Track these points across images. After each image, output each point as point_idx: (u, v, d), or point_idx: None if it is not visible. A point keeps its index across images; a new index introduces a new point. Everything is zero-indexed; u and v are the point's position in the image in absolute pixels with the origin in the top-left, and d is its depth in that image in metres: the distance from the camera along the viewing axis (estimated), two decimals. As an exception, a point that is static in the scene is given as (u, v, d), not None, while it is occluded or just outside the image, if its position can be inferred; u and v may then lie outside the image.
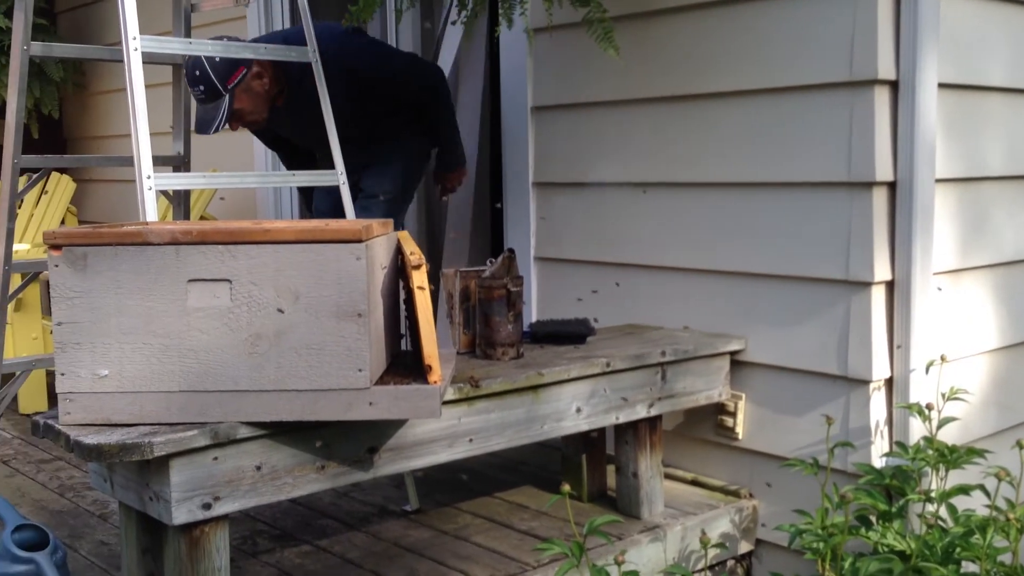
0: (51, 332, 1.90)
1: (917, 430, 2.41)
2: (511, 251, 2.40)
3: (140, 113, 2.26)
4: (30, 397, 3.80)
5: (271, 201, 4.30)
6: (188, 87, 2.77)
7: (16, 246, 3.09)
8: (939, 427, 2.37)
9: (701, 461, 2.79)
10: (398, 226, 3.06)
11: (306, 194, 3.46)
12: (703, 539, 2.17)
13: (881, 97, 2.34)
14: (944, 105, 2.41)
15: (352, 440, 1.94)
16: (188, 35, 3.08)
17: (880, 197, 2.37)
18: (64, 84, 5.32)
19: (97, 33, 5.34)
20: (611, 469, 2.68)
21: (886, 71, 2.33)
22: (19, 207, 4.14)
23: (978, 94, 2.56)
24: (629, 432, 2.54)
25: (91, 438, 1.69)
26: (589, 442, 2.67)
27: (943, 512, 2.23)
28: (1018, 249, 2.72)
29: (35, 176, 3.09)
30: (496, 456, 2.83)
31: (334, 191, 3.04)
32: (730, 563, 2.65)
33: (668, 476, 2.74)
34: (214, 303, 1.75)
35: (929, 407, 2.36)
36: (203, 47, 2.51)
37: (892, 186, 2.39)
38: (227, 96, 2.72)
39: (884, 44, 2.32)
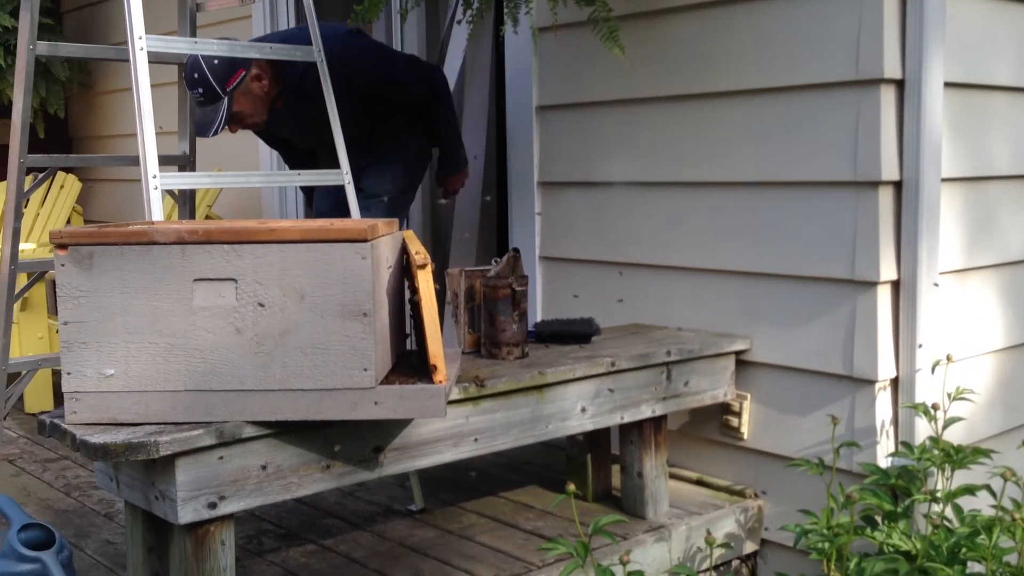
0: (57, 331, 1.91)
1: (923, 430, 2.40)
2: (516, 250, 2.40)
3: (146, 112, 2.26)
4: (36, 396, 3.81)
5: (276, 200, 4.30)
6: (187, 90, 2.76)
7: (22, 245, 3.10)
8: (945, 427, 2.36)
9: (706, 461, 2.79)
10: (400, 226, 3.07)
11: (309, 194, 3.46)
12: (708, 539, 2.16)
13: (887, 96, 2.34)
14: (950, 104, 2.41)
15: (357, 440, 1.94)
16: (193, 35, 3.08)
17: (886, 197, 2.37)
18: (70, 84, 5.33)
19: (103, 33, 5.35)
20: (616, 469, 2.68)
21: (892, 70, 2.32)
22: (25, 206, 4.15)
23: (984, 93, 2.56)
24: (634, 432, 2.54)
25: (97, 437, 1.69)
26: (594, 442, 2.67)
27: (949, 512, 2.23)
28: (1024, 249, 2.72)
29: (41, 175, 3.09)
30: (501, 456, 2.83)
31: (334, 191, 3.04)
32: (735, 563, 2.65)
33: (673, 476, 2.74)
34: (220, 302, 1.75)
35: (935, 407, 2.36)
36: (208, 46, 2.51)
37: (898, 185, 2.38)
38: (226, 99, 2.72)
39: (890, 43, 2.31)
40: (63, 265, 1.75)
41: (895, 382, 2.44)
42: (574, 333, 2.57)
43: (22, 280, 3.09)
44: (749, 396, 2.67)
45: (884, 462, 2.41)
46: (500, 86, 3.46)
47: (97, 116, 5.58)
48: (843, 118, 2.39)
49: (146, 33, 2.29)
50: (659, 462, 2.55)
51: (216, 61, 2.68)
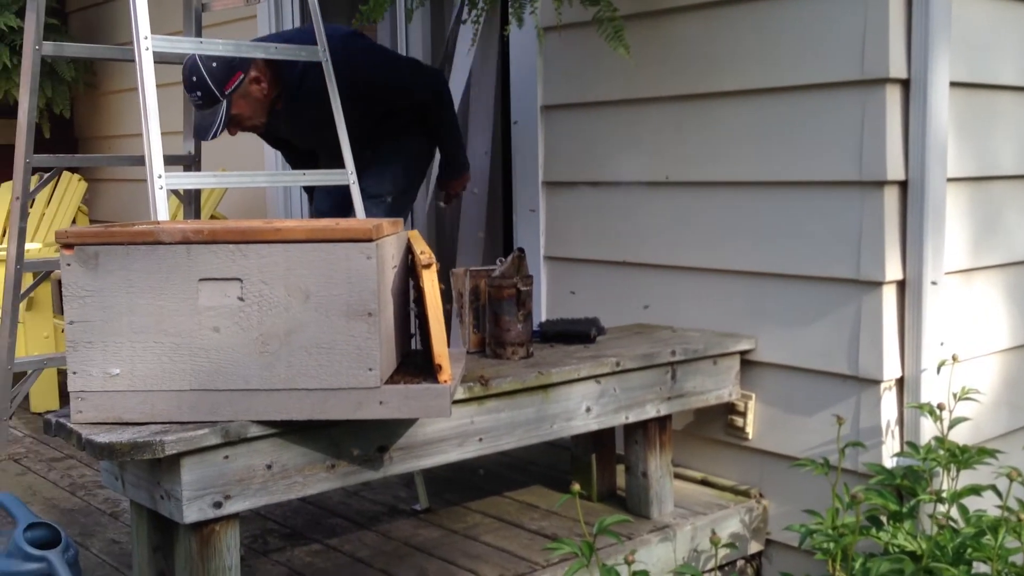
0: (63, 331, 1.91)
1: (928, 430, 2.40)
2: (521, 250, 2.40)
3: (151, 112, 2.27)
4: (41, 396, 3.82)
5: (281, 200, 4.31)
6: (185, 93, 2.75)
7: (28, 245, 3.11)
8: (950, 427, 2.36)
9: (711, 461, 2.79)
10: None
11: (311, 193, 3.46)
12: (713, 539, 2.16)
13: (892, 96, 2.33)
14: (956, 104, 2.40)
15: (362, 439, 1.94)
16: (199, 35, 3.09)
17: (891, 196, 2.37)
18: (75, 84, 5.34)
19: (108, 33, 5.36)
20: (621, 469, 2.68)
21: (897, 70, 2.32)
22: (30, 206, 4.16)
23: (990, 93, 2.55)
24: (639, 432, 2.54)
25: (103, 437, 1.69)
26: (599, 442, 2.67)
27: (954, 512, 2.22)
28: (1030, 248, 2.71)
29: (47, 175, 3.10)
30: (506, 455, 2.83)
31: (334, 190, 3.04)
32: (740, 563, 2.64)
33: (678, 476, 2.74)
34: (225, 302, 1.76)
35: (940, 407, 2.35)
36: (214, 46, 2.51)
37: (903, 185, 2.38)
38: (224, 101, 2.71)
39: (896, 43, 2.31)
40: (69, 265, 1.75)
41: (900, 382, 2.43)
42: (579, 333, 2.57)
43: (28, 280, 3.09)
44: (754, 396, 2.66)
45: (889, 462, 2.41)
46: (504, 86, 3.46)
47: (102, 116, 5.59)
48: (848, 118, 2.38)
49: (152, 33, 2.29)
50: (664, 462, 2.55)
51: (214, 64, 2.67)
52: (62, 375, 3.81)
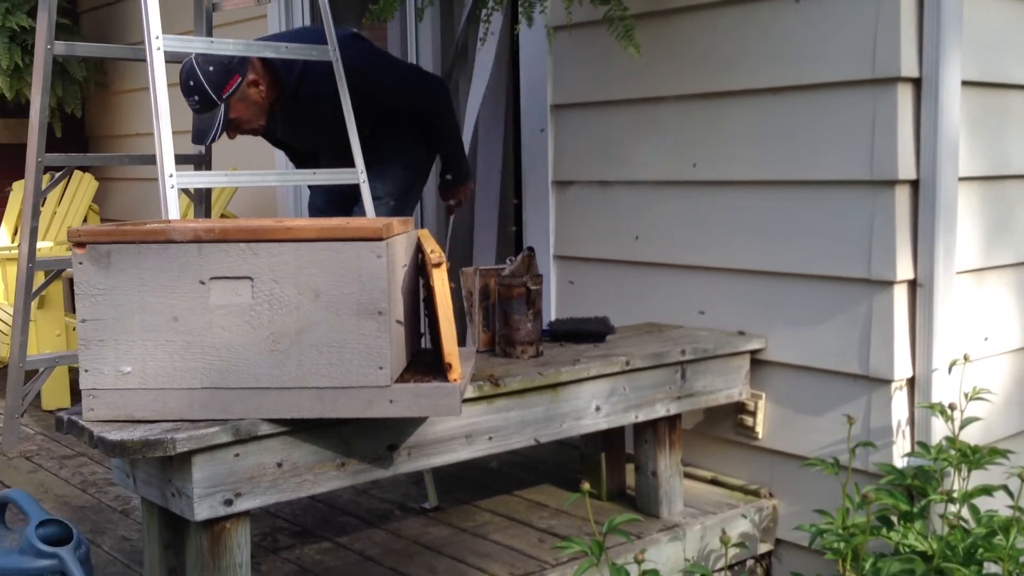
0: (74, 329, 1.92)
1: (939, 430, 2.39)
2: (531, 249, 2.40)
3: (162, 112, 2.28)
4: (53, 394, 3.83)
5: (291, 199, 4.32)
6: (183, 97, 2.74)
7: (39, 244, 3.12)
8: (961, 427, 2.35)
9: (721, 460, 2.79)
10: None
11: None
12: (723, 538, 2.16)
13: (904, 95, 2.33)
14: (967, 103, 2.39)
15: (372, 437, 1.95)
16: (210, 34, 3.10)
17: (903, 196, 2.36)
18: (87, 83, 5.36)
19: (119, 32, 5.37)
20: (630, 468, 2.68)
21: (909, 69, 2.31)
22: (42, 205, 4.18)
23: (1002, 92, 2.54)
24: (648, 431, 2.53)
25: (114, 434, 1.70)
26: (608, 441, 2.67)
27: (965, 513, 2.21)
28: (1042, 248, 2.70)
29: (58, 174, 3.12)
30: (515, 454, 2.83)
31: (330, 186, 3.02)
32: (750, 563, 2.64)
33: (687, 475, 2.74)
34: (236, 301, 1.76)
35: (951, 407, 2.35)
36: (225, 46, 2.52)
37: (915, 184, 2.37)
38: (222, 106, 2.69)
39: (907, 42, 2.30)
40: (81, 263, 1.76)
41: (911, 382, 2.43)
42: (589, 332, 2.57)
43: (39, 278, 3.11)
44: (764, 395, 2.66)
45: (900, 462, 2.40)
46: (515, 85, 3.46)
47: (114, 115, 5.61)
48: (860, 117, 2.38)
49: (163, 33, 2.30)
50: (673, 461, 2.55)
51: (211, 68, 2.65)
52: (73, 373, 3.83)
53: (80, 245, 1.76)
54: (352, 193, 3.11)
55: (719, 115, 2.68)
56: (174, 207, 2.27)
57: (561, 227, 3.13)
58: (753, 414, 2.67)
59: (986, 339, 2.46)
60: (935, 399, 2.38)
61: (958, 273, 2.42)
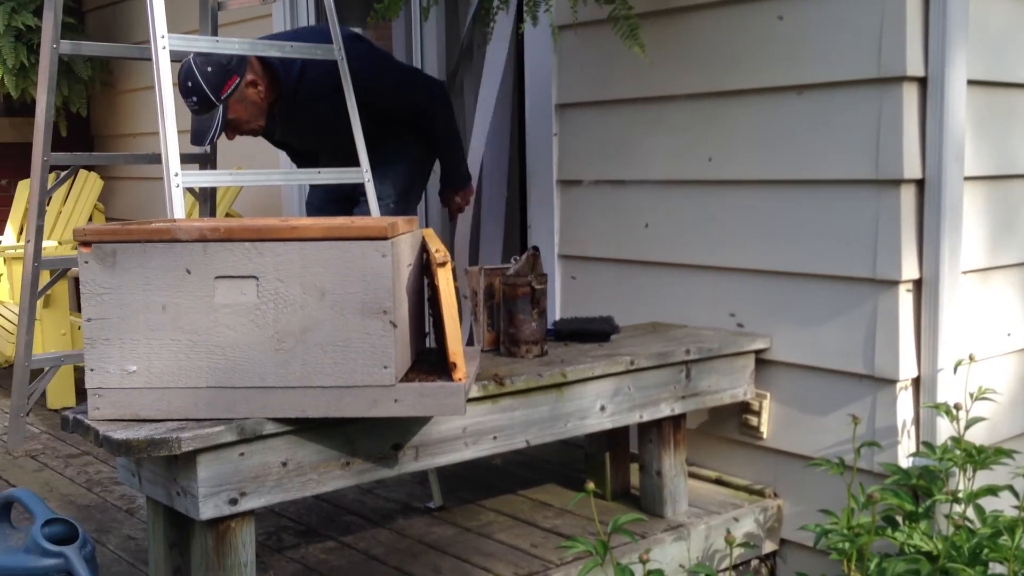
0: (80, 328, 1.93)
1: (944, 430, 2.39)
2: (535, 249, 2.40)
3: (168, 111, 2.28)
4: (58, 393, 3.84)
5: (296, 199, 4.32)
6: (181, 98, 2.73)
7: (44, 243, 3.13)
8: (967, 427, 2.34)
9: (725, 460, 2.78)
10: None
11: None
12: (728, 538, 2.16)
13: (909, 94, 2.32)
14: (973, 102, 2.39)
15: (377, 437, 1.95)
16: (215, 34, 3.10)
17: (908, 195, 2.36)
18: (92, 82, 5.37)
19: (125, 32, 5.38)
20: (635, 467, 2.67)
21: (915, 68, 2.31)
22: (47, 204, 4.19)
23: (1008, 91, 2.54)
24: (653, 430, 2.53)
25: (120, 433, 1.71)
26: (613, 440, 2.67)
27: (970, 513, 2.21)
28: (1048, 248, 2.69)
29: (64, 173, 3.12)
30: (519, 454, 2.83)
31: (329, 186, 3.02)
32: (754, 563, 2.64)
33: (692, 475, 2.74)
34: (241, 300, 1.76)
35: (957, 407, 2.34)
36: (230, 45, 2.52)
37: (920, 184, 2.37)
38: (220, 107, 2.69)
39: (913, 41, 2.30)
40: (87, 262, 1.76)
41: (916, 382, 2.42)
42: (593, 331, 2.57)
43: (45, 277, 3.11)
44: (769, 395, 2.66)
45: (905, 462, 2.40)
46: (519, 84, 3.45)
47: (119, 114, 5.62)
48: (865, 116, 2.37)
49: (168, 32, 2.30)
50: (678, 461, 2.55)
51: (209, 69, 2.65)
52: (79, 372, 3.83)
53: (86, 244, 1.76)
54: (350, 193, 3.11)
55: (724, 114, 2.68)
56: (179, 206, 2.27)
57: (566, 226, 3.13)
58: (758, 414, 2.67)
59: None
60: (940, 399, 2.38)
61: (963, 273, 2.42)
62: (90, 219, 4.91)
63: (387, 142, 3.03)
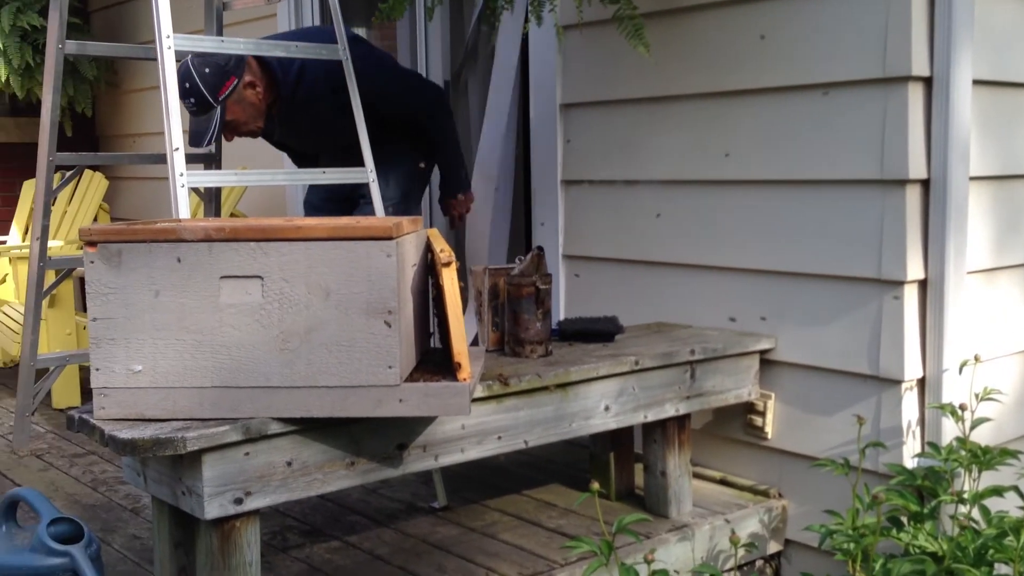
0: (85, 328, 1.93)
1: (949, 431, 2.38)
2: (540, 249, 2.40)
3: (173, 111, 2.28)
4: (63, 392, 3.85)
5: (300, 199, 4.32)
6: (179, 99, 2.72)
7: (50, 243, 3.14)
8: (972, 428, 2.34)
9: (730, 460, 2.78)
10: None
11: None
12: (732, 539, 2.16)
13: (915, 94, 2.32)
14: (979, 102, 2.39)
15: (382, 437, 1.95)
16: (220, 34, 3.10)
17: (913, 195, 2.35)
18: (97, 82, 5.38)
19: (130, 32, 5.39)
20: (639, 468, 2.67)
21: (920, 68, 2.30)
22: (53, 204, 4.20)
23: (1014, 91, 2.53)
24: (657, 431, 2.53)
25: (125, 433, 1.71)
26: (617, 440, 2.66)
27: (976, 513, 2.21)
28: (1054, 248, 2.68)
29: (69, 173, 3.13)
30: (524, 454, 2.83)
31: (329, 186, 3.01)
32: (759, 563, 2.64)
33: (696, 475, 2.73)
34: (246, 299, 1.77)
35: (962, 407, 2.34)
36: (235, 45, 2.52)
37: (925, 184, 2.36)
38: (218, 108, 2.69)
39: (918, 40, 2.29)
40: (92, 262, 1.76)
41: (922, 382, 2.42)
42: (598, 331, 2.57)
43: (50, 277, 3.12)
44: (773, 395, 2.65)
45: (910, 463, 2.39)
46: (524, 84, 3.45)
47: (124, 114, 5.63)
48: (870, 116, 2.37)
49: (173, 32, 2.30)
50: (682, 461, 2.55)
51: (207, 70, 2.65)
52: (84, 372, 3.84)
53: (91, 244, 1.76)
54: (350, 193, 3.11)
55: (729, 114, 2.68)
56: (184, 206, 2.27)
57: (570, 226, 3.13)
58: (762, 414, 2.66)
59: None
60: (946, 399, 2.38)
61: (969, 273, 2.41)
62: (95, 219, 4.92)
63: (387, 145, 3.02)
